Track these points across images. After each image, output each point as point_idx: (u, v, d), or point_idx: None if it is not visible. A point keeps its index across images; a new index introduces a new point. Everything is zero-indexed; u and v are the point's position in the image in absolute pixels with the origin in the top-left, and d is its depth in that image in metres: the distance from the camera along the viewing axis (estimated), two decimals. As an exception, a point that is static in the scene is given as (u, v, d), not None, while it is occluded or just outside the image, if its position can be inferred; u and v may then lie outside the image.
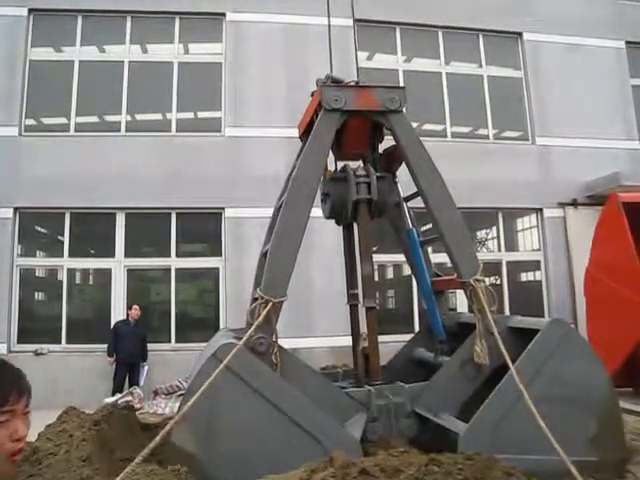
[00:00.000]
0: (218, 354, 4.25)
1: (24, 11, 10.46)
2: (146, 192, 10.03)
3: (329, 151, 5.22)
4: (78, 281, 10.69)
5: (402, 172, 5.74)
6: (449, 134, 11.55)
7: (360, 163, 5.60)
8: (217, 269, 10.32)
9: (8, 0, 10.39)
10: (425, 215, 5.56)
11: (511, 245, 11.82)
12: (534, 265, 11.54)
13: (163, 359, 9.50)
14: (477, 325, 4.74)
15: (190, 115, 11.21)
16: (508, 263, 11.36)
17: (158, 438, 3.46)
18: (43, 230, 10.96)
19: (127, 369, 9.16)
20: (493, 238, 11.88)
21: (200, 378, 4.30)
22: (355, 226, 5.53)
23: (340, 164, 5.58)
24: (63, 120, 10.57)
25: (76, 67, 10.60)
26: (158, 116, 11.10)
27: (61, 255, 10.10)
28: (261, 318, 4.41)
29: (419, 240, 5.95)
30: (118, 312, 9.82)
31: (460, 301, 9.87)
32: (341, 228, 5.79)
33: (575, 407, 4.29)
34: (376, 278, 8.28)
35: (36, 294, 10.85)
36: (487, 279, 5.27)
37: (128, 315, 9.33)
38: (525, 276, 12.14)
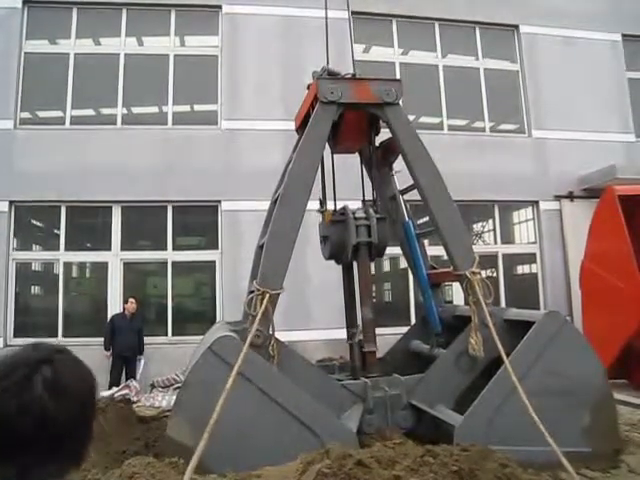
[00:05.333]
0: (214, 347, 4.27)
1: (18, 3, 10.34)
2: (142, 185, 9.98)
3: (325, 144, 5.21)
4: (74, 274, 10.65)
5: (398, 164, 5.76)
6: (445, 127, 11.52)
7: (359, 204, 5.59)
8: (214, 262, 10.30)
9: (2, -8, 10.32)
10: (421, 208, 5.57)
11: (507, 238, 11.83)
12: (530, 258, 11.55)
13: (160, 352, 9.48)
14: (473, 317, 4.76)
15: (186, 108, 11.15)
16: (504, 256, 11.36)
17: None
18: (39, 223, 10.90)
19: (124, 362, 9.14)
20: (489, 231, 11.89)
21: (196, 371, 4.32)
22: (355, 265, 5.52)
23: (340, 204, 5.57)
24: (58, 113, 10.50)
25: (71, 60, 10.50)
26: (154, 109, 11.05)
27: (57, 248, 10.05)
28: (261, 310, 4.41)
29: (415, 233, 5.97)
30: (114, 305, 9.79)
31: (456, 293, 9.89)
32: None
33: (570, 399, 4.32)
34: (373, 271, 8.26)
35: (32, 288, 10.80)
36: (483, 272, 5.28)
37: (124, 308, 9.31)
38: (521, 269, 12.16)
